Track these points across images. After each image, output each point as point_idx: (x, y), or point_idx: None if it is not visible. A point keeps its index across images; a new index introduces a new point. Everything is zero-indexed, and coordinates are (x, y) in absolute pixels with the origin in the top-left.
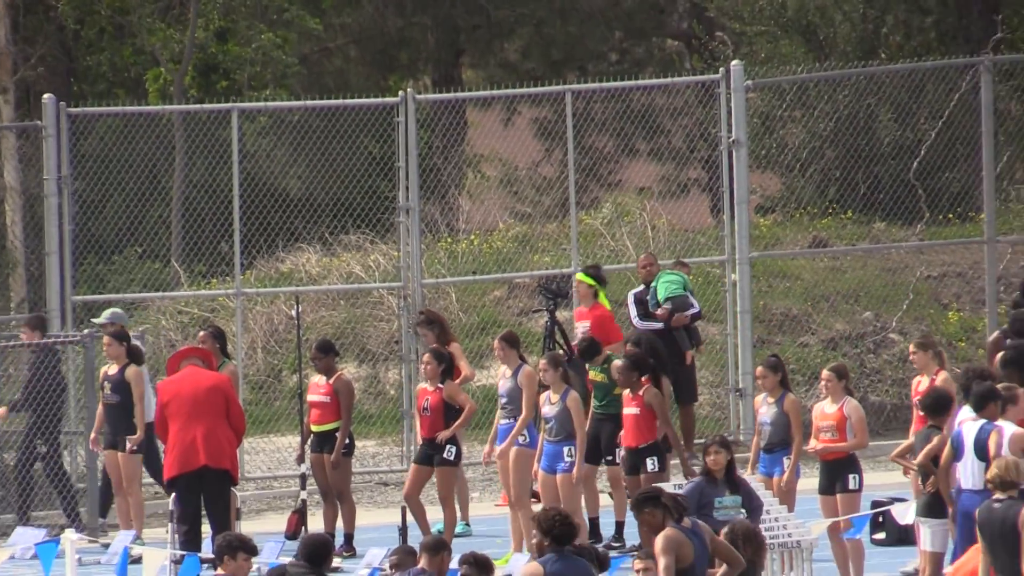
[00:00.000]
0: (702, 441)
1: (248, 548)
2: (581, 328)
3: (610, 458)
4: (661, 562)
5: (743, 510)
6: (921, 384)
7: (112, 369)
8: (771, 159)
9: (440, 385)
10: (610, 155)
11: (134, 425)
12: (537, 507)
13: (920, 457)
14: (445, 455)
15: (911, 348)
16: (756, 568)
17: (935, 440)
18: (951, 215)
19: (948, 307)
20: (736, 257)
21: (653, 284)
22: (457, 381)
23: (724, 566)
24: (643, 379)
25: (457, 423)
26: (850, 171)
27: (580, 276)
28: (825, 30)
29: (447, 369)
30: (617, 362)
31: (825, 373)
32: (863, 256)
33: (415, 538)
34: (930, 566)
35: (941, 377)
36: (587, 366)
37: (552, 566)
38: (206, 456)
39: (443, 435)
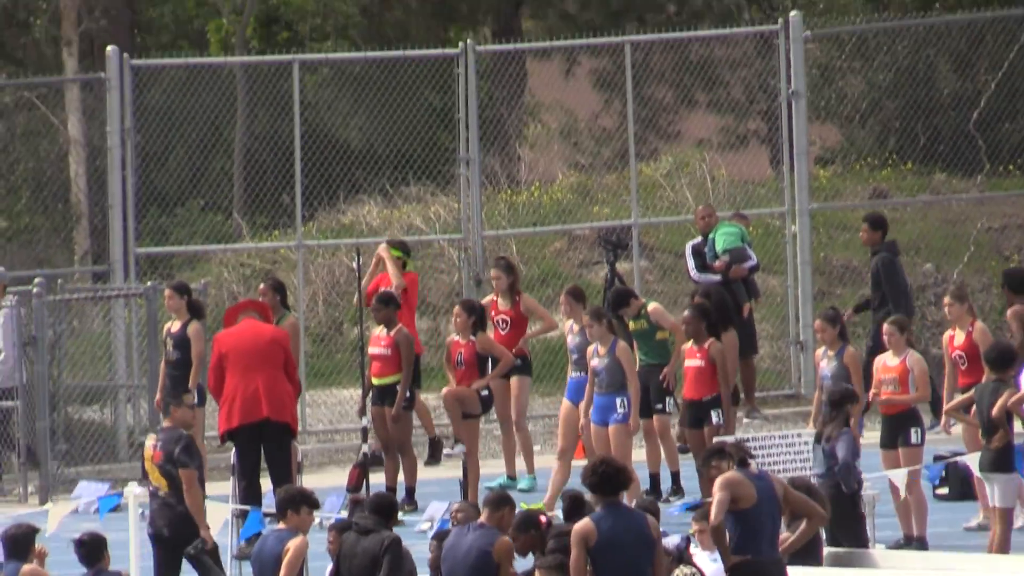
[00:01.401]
0: (763, 395)
1: (310, 502)
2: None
3: (660, 406)
4: (716, 496)
5: None
6: (956, 338)
7: (175, 326)
8: (830, 110)
9: (472, 338)
10: (669, 106)
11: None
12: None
13: (995, 410)
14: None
15: (946, 300)
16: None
17: (1005, 395)
18: (1011, 166)
19: (1009, 259)
20: (796, 208)
21: (711, 236)
22: (540, 330)
23: (804, 521)
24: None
25: (492, 374)
26: (910, 122)
27: (392, 251)
28: None
29: (478, 321)
30: (654, 305)
31: (886, 327)
32: (923, 208)
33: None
34: (1000, 523)
35: (978, 329)
36: (624, 317)
37: (605, 522)
38: (268, 408)
39: (478, 384)
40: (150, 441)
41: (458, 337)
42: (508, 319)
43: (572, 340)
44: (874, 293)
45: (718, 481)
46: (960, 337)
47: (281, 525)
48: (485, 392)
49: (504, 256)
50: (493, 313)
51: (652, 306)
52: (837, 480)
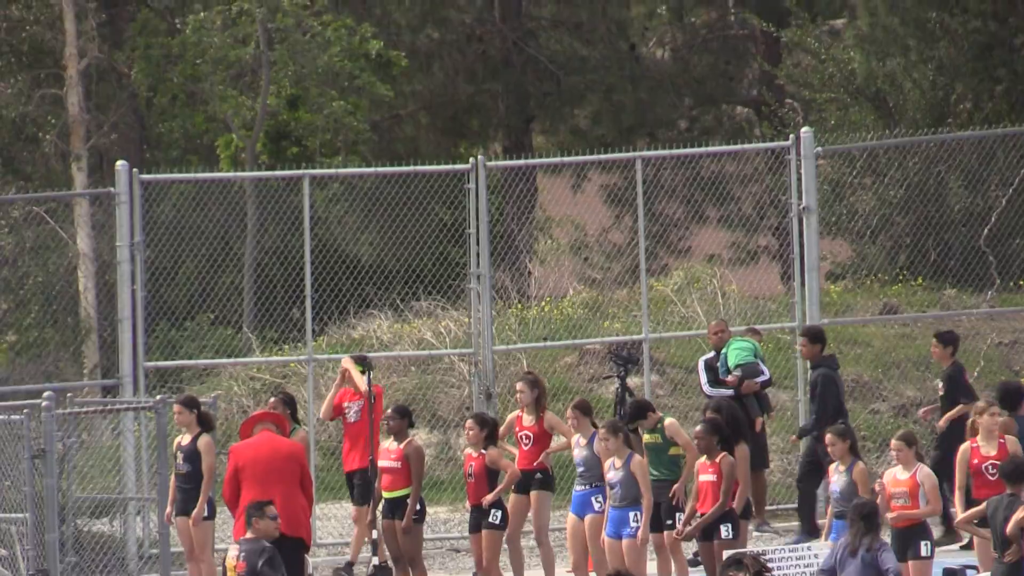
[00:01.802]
0: (773, 508)
1: None
2: (356, 405)
3: (670, 522)
4: None
5: None
6: (985, 448)
7: (185, 440)
8: (841, 226)
9: (483, 451)
10: (680, 222)
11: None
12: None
13: (1010, 528)
14: (490, 519)
15: (994, 408)
16: None
17: (1020, 511)
18: (1022, 282)
19: (1020, 374)
20: (807, 324)
21: (724, 351)
22: (558, 446)
23: None
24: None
25: (499, 488)
26: (920, 238)
27: (351, 364)
28: (895, 97)
29: (490, 434)
30: (670, 420)
31: (894, 443)
32: (934, 323)
33: None
34: None
35: (1011, 441)
36: (639, 429)
37: None
38: (283, 524)
39: (487, 499)
40: (233, 551)
41: (471, 450)
42: (531, 435)
43: (579, 453)
44: (813, 407)
45: None
46: (991, 448)
47: None
48: (498, 516)
49: (531, 371)
50: (518, 428)
51: (669, 421)
52: None
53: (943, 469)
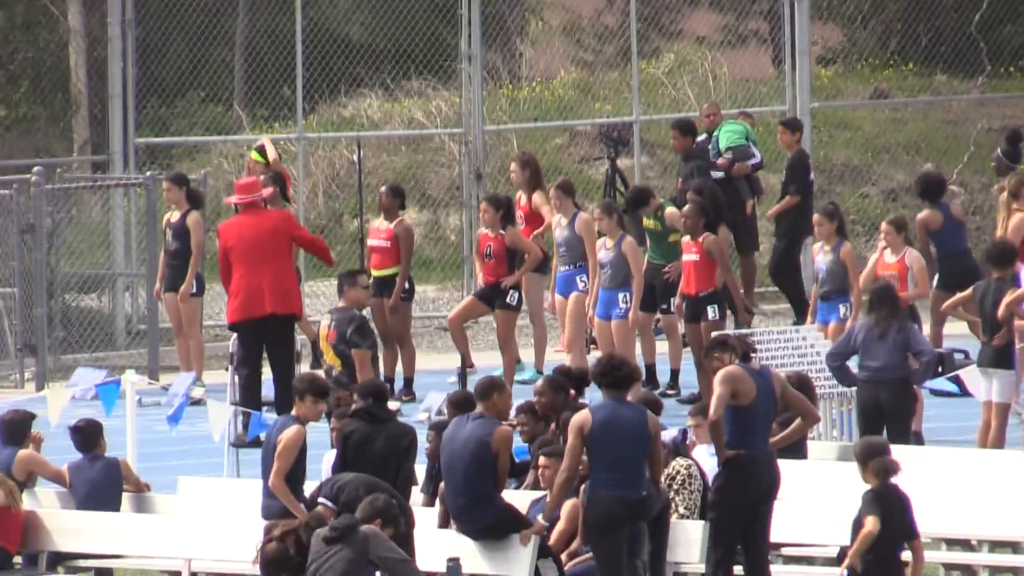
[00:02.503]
0: (762, 290)
1: (315, 391)
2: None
3: (665, 306)
4: (716, 391)
5: None
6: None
7: (174, 216)
8: (832, 11)
9: (502, 231)
10: (672, 4)
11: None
12: (595, 354)
13: (1001, 312)
14: (508, 299)
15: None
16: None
17: (1009, 294)
18: (1012, 68)
19: None
20: (797, 107)
21: (715, 133)
22: (541, 229)
23: (798, 419)
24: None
25: (522, 269)
26: (912, 23)
27: (255, 155)
28: None
29: (506, 214)
30: (671, 209)
31: (884, 226)
32: (924, 108)
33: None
34: (996, 418)
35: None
36: (641, 214)
37: (600, 413)
38: (272, 303)
39: (508, 281)
40: (325, 320)
41: (487, 230)
42: (523, 215)
43: (560, 234)
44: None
45: (719, 376)
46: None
47: (293, 413)
48: (515, 297)
49: (526, 151)
50: (516, 207)
51: (669, 210)
52: (905, 373)
53: (787, 261)
